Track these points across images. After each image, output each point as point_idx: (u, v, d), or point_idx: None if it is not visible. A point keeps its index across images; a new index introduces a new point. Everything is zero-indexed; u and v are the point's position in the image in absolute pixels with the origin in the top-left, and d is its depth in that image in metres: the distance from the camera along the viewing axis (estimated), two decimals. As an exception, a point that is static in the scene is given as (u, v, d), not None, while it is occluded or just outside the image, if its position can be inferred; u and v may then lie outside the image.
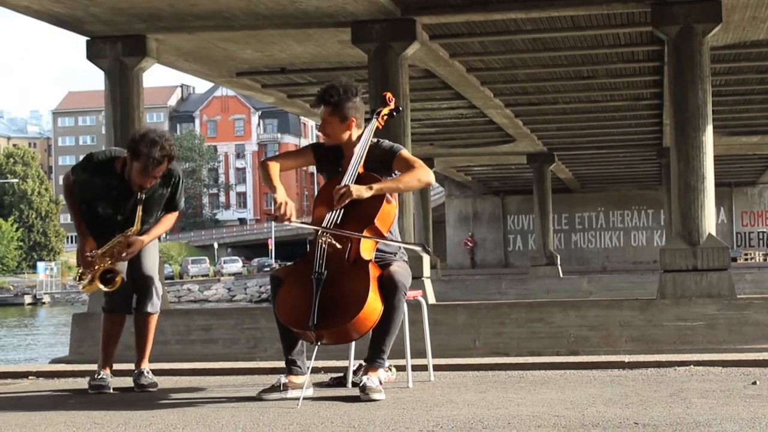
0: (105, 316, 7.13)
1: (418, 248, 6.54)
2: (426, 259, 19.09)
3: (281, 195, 6.20)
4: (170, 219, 7.11)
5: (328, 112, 6.31)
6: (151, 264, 7.09)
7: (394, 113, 6.88)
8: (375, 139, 6.45)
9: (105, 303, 7.12)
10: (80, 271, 6.94)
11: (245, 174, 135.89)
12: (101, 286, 6.83)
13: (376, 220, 6.14)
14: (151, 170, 6.66)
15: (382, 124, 6.76)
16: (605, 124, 36.76)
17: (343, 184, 6.15)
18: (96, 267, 6.84)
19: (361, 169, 6.29)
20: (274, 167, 6.42)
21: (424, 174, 6.22)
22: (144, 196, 6.77)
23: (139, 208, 6.77)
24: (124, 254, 6.83)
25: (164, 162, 6.71)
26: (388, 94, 6.94)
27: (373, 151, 6.38)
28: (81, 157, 7.13)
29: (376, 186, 6.08)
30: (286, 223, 6.16)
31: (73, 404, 6.37)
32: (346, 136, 6.37)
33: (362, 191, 6.04)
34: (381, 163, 6.34)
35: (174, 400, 6.44)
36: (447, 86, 27.38)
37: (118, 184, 6.83)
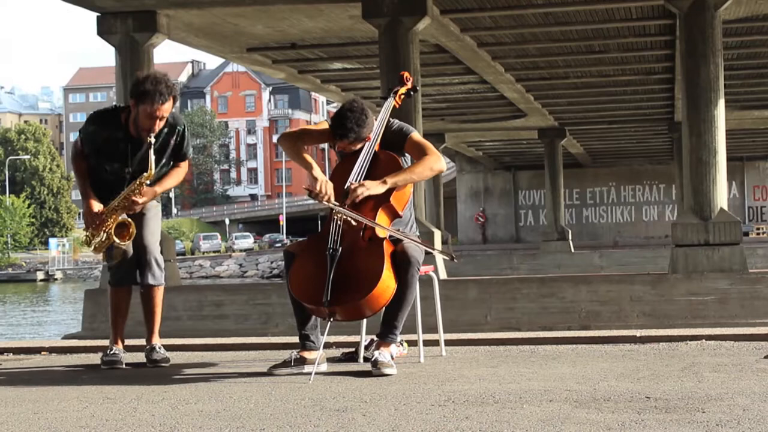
0: (111, 290, 7.14)
1: (446, 257, 6.62)
2: (437, 235, 19.09)
3: (320, 173, 6.15)
4: (181, 170, 7.10)
5: (349, 142, 6.27)
6: (151, 234, 7.05)
7: (411, 93, 6.88)
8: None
9: (110, 276, 7.13)
10: (90, 232, 6.93)
11: (256, 150, 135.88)
12: (116, 240, 6.81)
13: (391, 199, 6.16)
14: (157, 107, 6.63)
15: (399, 103, 6.77)
16: (617, 99, 36.66)
17: (355, 170, 6.18)
18: (108, 223, 6.84)
19: (377, 147, 6.30)
20: (300, 143, 6.42)
21: (435, 162, 6.23)
22: (153, 140, 6.74)
23: (151, 153, 6.74)
24: (136, 203, 6.83)
25: (170, 99, 6.69)
26: (406, 74, 6.94)
27: (385, 132, 6.39)
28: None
29: (390, 180, 6.09)
30: (325, 203, 6.10)
31: (86, 379, 6.40)
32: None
33: (377, 188, 6.04)
34: (392, 144, 6.35)
35: (186, 375, 6.46)
36: (458, 61, 27.31)
37: (124, 136, 6.82)
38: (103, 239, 6.85)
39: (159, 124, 6.73)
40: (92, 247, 6.98)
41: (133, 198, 6.80)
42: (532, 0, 21.40)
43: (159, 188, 6.93)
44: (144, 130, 6.72)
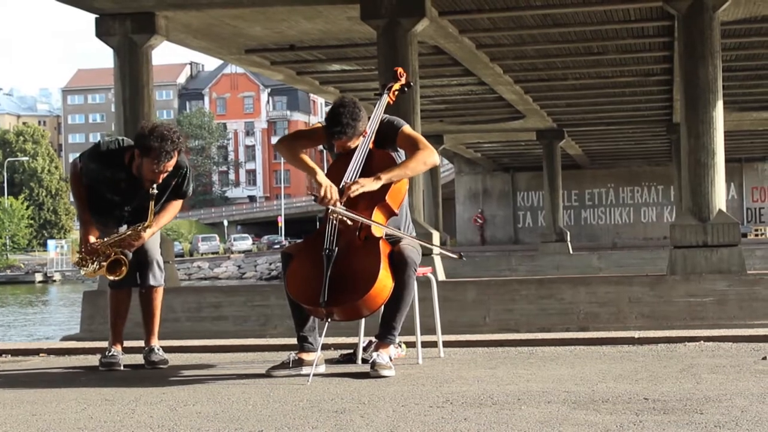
0: (112, 292, 7.15)
1: (453, 256, 6.57)
2: (436, 236, 19.09)
3: (323, 178, 6.09)
4: (176, 206, 7.08)
5: (347, 138, 6.23)
6: (151, 238, 7.07)
7: (406, 89, 6.84)
8: None
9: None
10: (81, 256, 6.93)
11: (255, 151, 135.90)
12: (108, 276, 6.84)
13: (387, 197, 6.13)
14: (162, 164, 6.63)
15: (393, 99, 6.74)
16: (615, 100, 36.67)
17: (350, 168, 6.16)
18: (100, 255, 6.83)
19: (371, 145, 6.29)
20: (297, 147, 6.38)
21: (429, 156, 6.20)
22: (156, 191, 6.75)
23: (152, 204, 6.76)
24: (133, 246, 6.85)
25: (175, 155, 6.68)
26: (399, 69, 6.90)
27: (378, 127, 6.37)
28: (90, 137, 7.13)
29: (384, 176, 6.06)
30: (330, 207, 6.01)
31: (84, 381, 6.40)
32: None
33: (372, 184, 6.03)
34: (384, 137, 6.33)
35: (184, 376, 6.46)
36: (456, 63, 27.31)
37: (127, 177, 6.80)
38: (96, 268, 6.87)
39: (163, 176, 6.74)
40: (83, 272, 7.02)
41: (130, 241, 6.83)
42: (531, 1, 21.40)
43: (156, 226, 6.92)
44: (147, 180, 6.72)
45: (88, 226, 6.92)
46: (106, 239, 6.84)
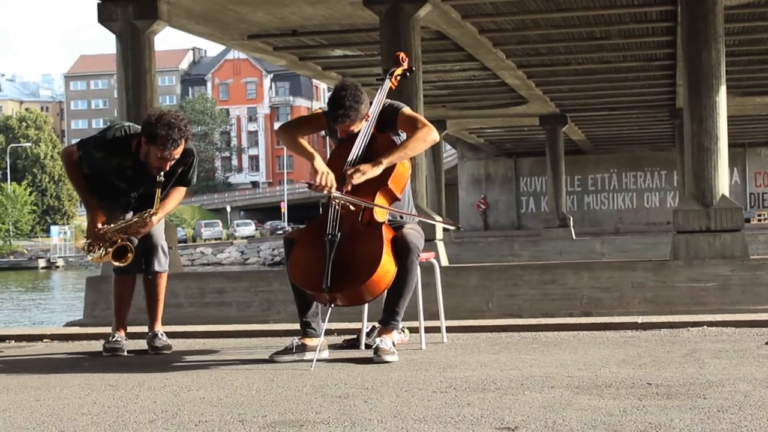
0: (116, 278, 7.15)
1: (451, 227, 6.55)
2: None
3: (321, 164, 6.10)
4: (181, 193, 7.06)
5: (350, 121, 6.23)
6: (156, 224, 7.07)
7: (408, 74, 6.83)
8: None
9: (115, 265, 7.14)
10: (89, 242, 6.94)
11: (257, 137, 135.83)
12: (114, 262, 6.85)
13: (389, 182, 6.12)
14: (169, 152, 6.63)
15: (396, 84, 6.72)
16: (618, 85, 36.61)
17: (353, 153, 6.15)
18: (107, 240, 6.84)
19: (373, 129, 6.28)
20: (297, 134, 6.38)
21: (428, 134, 6.17)
22: (163, 178, 6.75)
23: (158, 193, 6.75)
24: (139, 233, 6.86)
25: (182, 143, 6.68)
26: (402, 54, 6.88)
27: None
28: (93, 123, 7.11)
29: (385, 160, 6.06)
30: (325, 192, 6.06)
31: (88, 366, 6.41)
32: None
33: (373, 171, 6.02)
34: (385, 121, 6.32)
35: (188, 362, 6.47)
36: (459, 48, 27.27)
37: (133, 164, 6.79)
38: (102, 254, 6.87)
39: (170, 164, 6.73)
40: (89, 258, 7.03)
41: (137, 228, 6.83)
42: (533, -14, 21.39)
43: (162, 213, 6.92)
44: (153, 168, 6.72)
45: (94, 212, 6.91)
46: (113, 225, 6.84)
